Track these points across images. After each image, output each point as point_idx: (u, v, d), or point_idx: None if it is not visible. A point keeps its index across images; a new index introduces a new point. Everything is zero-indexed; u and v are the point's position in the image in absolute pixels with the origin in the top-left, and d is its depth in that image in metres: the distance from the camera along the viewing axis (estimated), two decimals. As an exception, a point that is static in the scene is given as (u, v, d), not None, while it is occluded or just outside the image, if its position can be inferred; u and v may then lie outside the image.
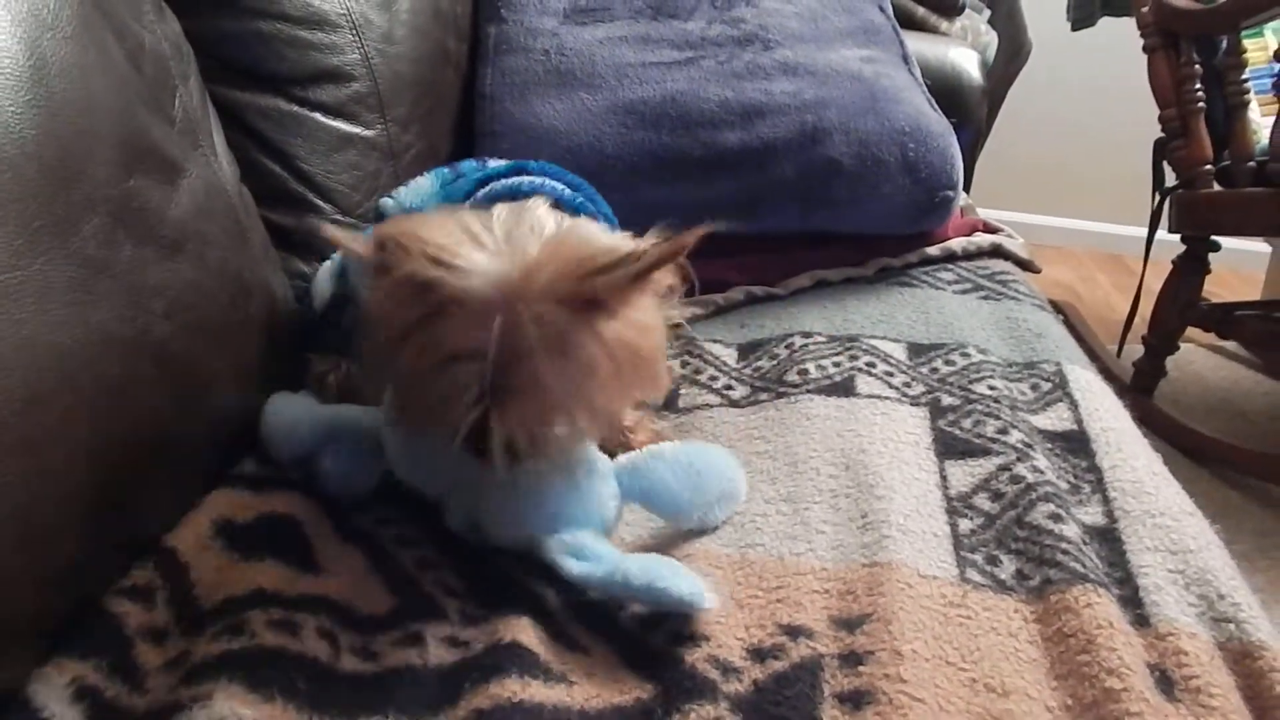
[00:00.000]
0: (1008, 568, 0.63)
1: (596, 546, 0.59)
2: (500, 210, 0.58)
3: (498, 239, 0.54)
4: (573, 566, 0.58)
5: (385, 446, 0.65)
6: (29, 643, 0.51)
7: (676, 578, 0.56)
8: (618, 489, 0.64)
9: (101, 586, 0.55)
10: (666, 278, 0.58)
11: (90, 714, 0.49)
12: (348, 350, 0.76)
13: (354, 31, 0.94)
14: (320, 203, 0.90)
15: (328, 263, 0.82)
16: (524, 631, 0.56)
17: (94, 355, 0.53)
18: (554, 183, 0.68)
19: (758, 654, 0.55)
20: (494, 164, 0.79)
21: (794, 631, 0.57)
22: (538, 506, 0.60)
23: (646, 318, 0.57)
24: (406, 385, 0.56)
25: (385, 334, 0.54)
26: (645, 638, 0.57)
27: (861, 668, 0.53)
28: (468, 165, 0.79)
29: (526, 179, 0.68)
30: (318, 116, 0.91)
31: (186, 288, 0.63)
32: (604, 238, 0.57)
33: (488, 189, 0.67)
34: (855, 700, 0.52)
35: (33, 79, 0.52)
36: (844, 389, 0.84)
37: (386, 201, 0.77)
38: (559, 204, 0.65)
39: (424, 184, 0.77)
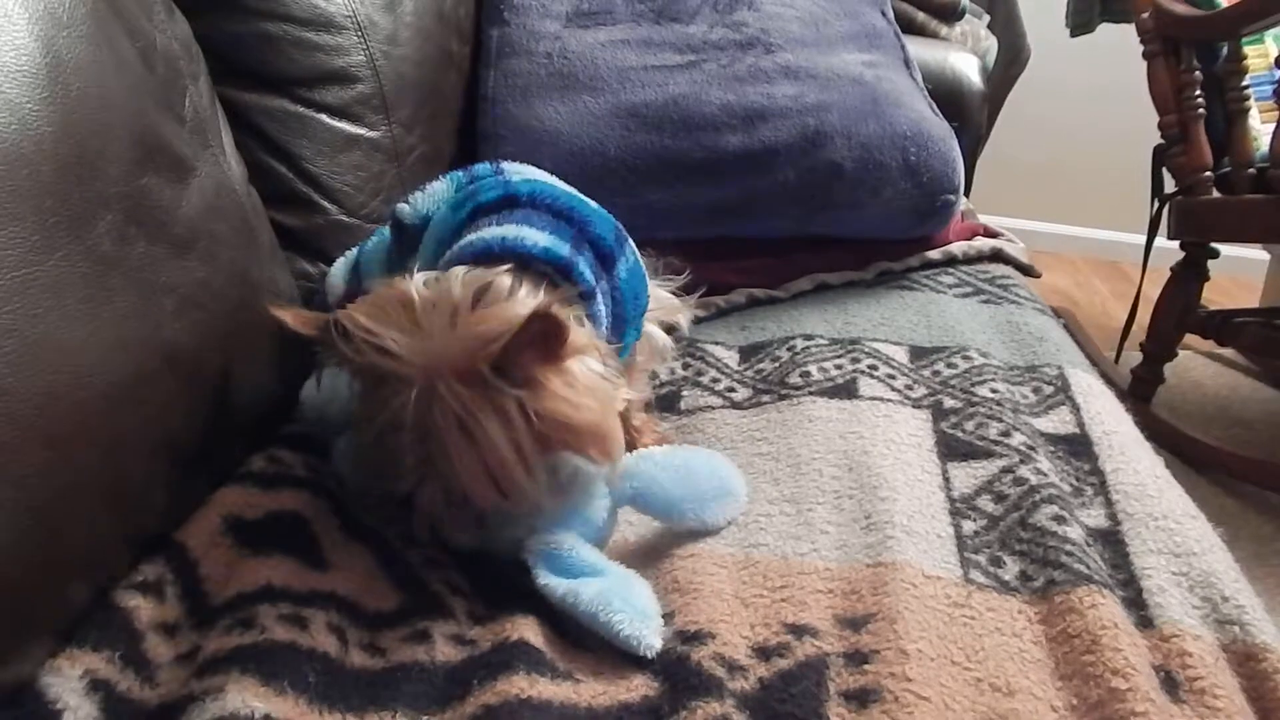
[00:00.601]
0: (1011, 569, 0.63)
1: (573, 554, 0.60)
2: (454, 277, 0.60)
3: (430, 315, 0.57)
4: (540, 576, 0.59)
5: None
6: (43, 636, 0.51)
7: (627, 611, 0.56)
8: (607, 492, 0.65)
9: (112, 581, 0.56)
10: (582, 341, 0.59)
11: (104, 706, 0.49)
12: None
13: (359, 33, 0.94)
14: (325, 203, 0.91)
15: (341, 260, 0.82)
16: (530, 630, 0.56)
17: (107, 352, 0.54)
18: (530, 231, 0.66)
19: (763, 652, 0.56)
20: (508, 167, 0.79)
21: (799, 630, 0.57)
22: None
23: (576, 387, 0.58)
24: (361, 442, 0.60)
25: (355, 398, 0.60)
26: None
27: (867, 666, 0.54)
28: (482, 169, 0.79)
29: (500, 234, 0.66)
30: (323, 118, 0.91)
31: (197, 286, 0.63)
32: (515, 312, 0.58)
33: (460, 245, 0.66)
34: (861, 698, 0.52)
35: (49, 76, 0.52)
36: (846, 391, 0.85)
37: (403, 208, 0.76)
38: (531, 261, 0.64)
39: (439, 189, 0.77)
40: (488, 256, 0.64)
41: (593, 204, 0.75)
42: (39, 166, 0.51)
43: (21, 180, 0.49)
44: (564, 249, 0.66)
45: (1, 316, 0.47)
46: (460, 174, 0.79)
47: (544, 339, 0.55)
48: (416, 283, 0.60)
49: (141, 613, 0.54)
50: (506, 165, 0.81)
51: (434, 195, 0.76)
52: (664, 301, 0.87)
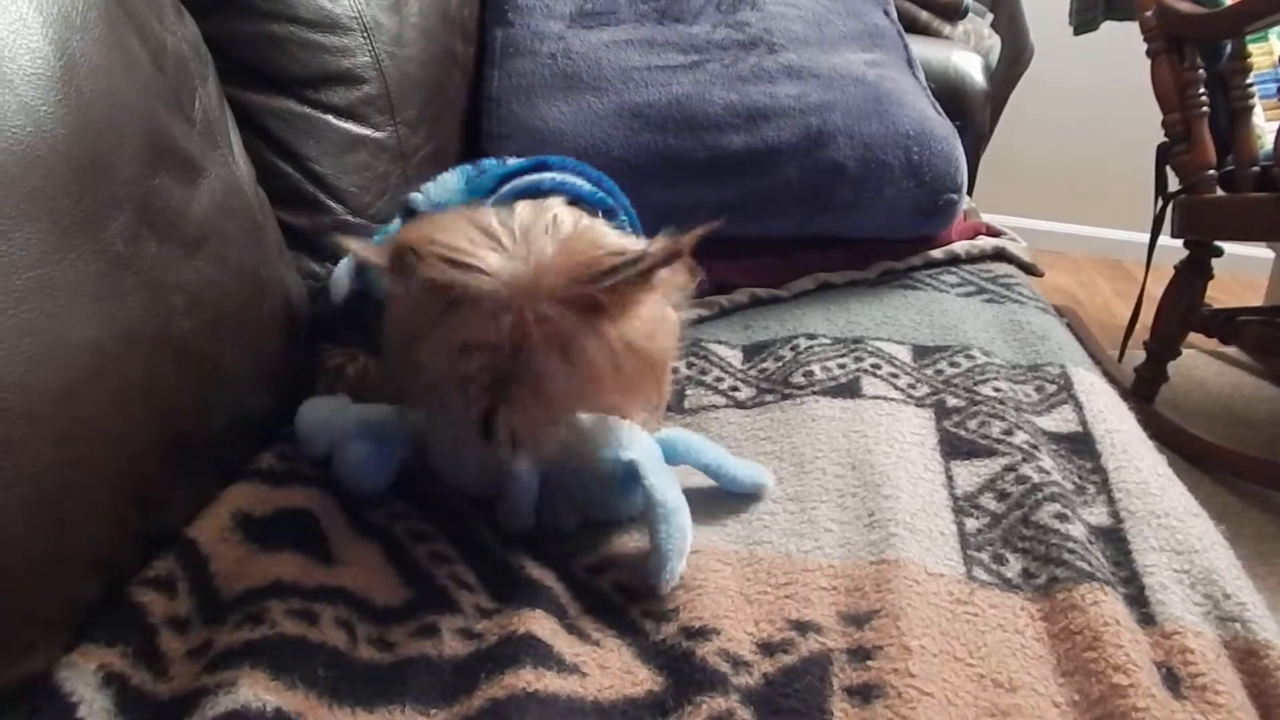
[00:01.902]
0: (1014, 566, 0.63)
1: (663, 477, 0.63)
2: (519, 209, 0.60)
3: (513, 238, 0.57)
4: (648, 476, 0.61)
5: (430, 448, 0.67)
6: (57, 630, 0.52)
7: (682, 551, 0.61)
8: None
9: (124, 577, 0.56)
10: (677, 279, 0.60)
11: (118, 700, 0.50)
12: (365, 344, 0.78)
13: (365, 34, 0.95)
14: (332, 203, 0.91)
15: (345, 259, 0.82)
16: (537, 623, 0.56)
17: (120, 350, 0.54)
18: (575, 179, 0.68)
19: (767, 648, 0.56)
20: (514, 161, 0.80)
21: (803, 626, 0.58)
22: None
23: (655, 320, 0.59)
24: (424, 374, 0.59)
25: (406, 330, 0.58)
26: (656, 631, 0.58)
27: (870, 662, 0.54)
28: (489, 163, 0.80)
29: (549, 175, 0.68)
30: (329, 118, 0.92)
31: (207, 285, 0.64)
32: (614, 239, 0.59)
33: (511, 185, 0.67)
34: (864, 694, 0.52)
35: (63, 79, 0.53)
36: (849, 390, 0.85)
37: (416, 197, 0.77)
38: (578, 201, 0.65)
39: (450, 180, 0.78)
40: (537, 193, 0.65)
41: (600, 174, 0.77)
42: (53, 168, 0.51)
43: (37, 181, 0.50)
44: (609, 199, 0.68)
45: (18, 315, 0.48)
46: (469, 167, 0.80)
47: (647, 273, 0.55)
48: (476, 214, 0.59)
49: (153, 608, 0.55)
50: (511, 160, 0.82)
51: (446, 185, 0.77)
52: None
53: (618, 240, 0.59)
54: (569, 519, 0.66)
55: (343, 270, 0.81)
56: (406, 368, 0.60)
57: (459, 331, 0.55)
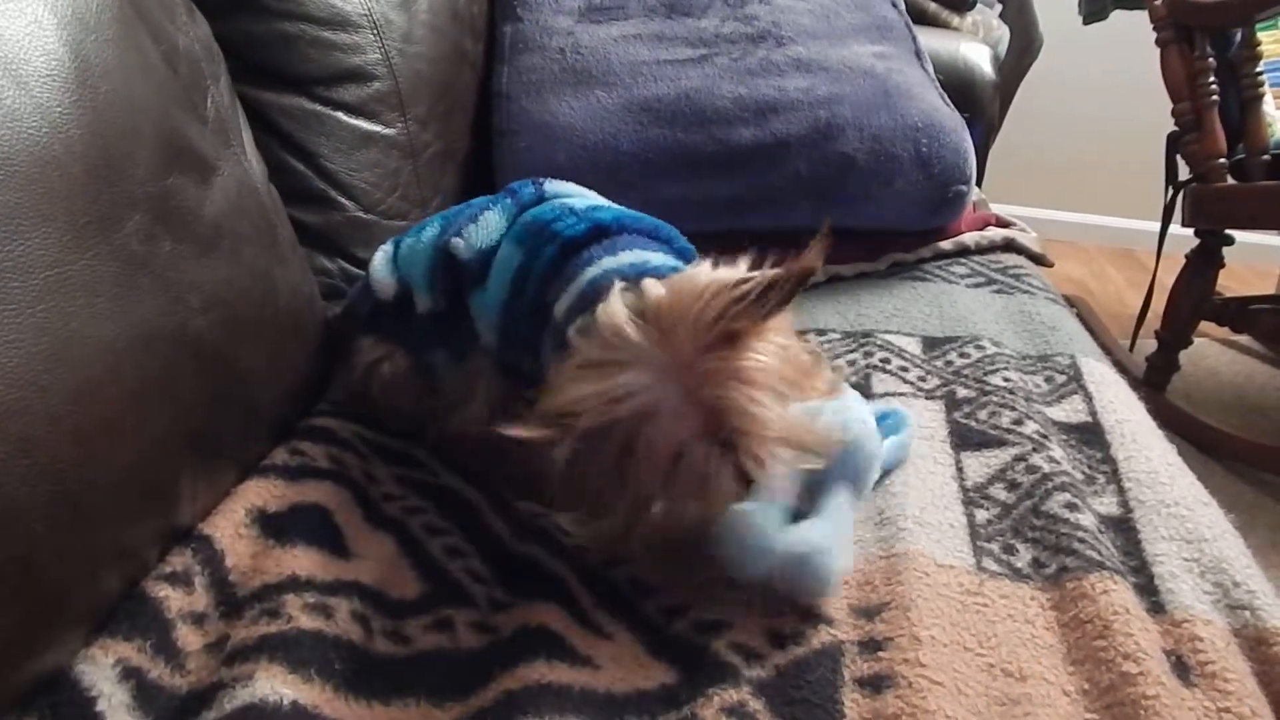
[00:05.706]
0: (1024, 556, 0.64)
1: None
2: (605, 318, 0.58)
3: (629, 345, 0.56)
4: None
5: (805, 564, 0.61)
6: (77, 625, 0.52)
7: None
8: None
9: (141, 572, 0.57)
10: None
11: (136, 693, 0.50)
12: (407, 341, 0.76)
13: (375, 31, 0.95)
14: (343, 200, 0.92)
15: (379, 256, 0.78)
16: (550, 616, 0.57)
17: (137, 349, 0.55)
18: (647, 254, 0.66)
19: (779, 641, 0.57)
20: (551, 186, 0.77)
21: (814, 619, 0.58)
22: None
23: (781, 333, 0.59)
24: (645, 502, 0.57)
25: (597, 491, 0.57)
26: (668, 626, 0.58)
27: (881, 653, 0.55)
28: (525, 191, 0.76)
29: (625, 263, 0.65)
30: (340, 115, 0.92)
31: (221, 284, 0.64)
32: (712, 281, 0.58)
33: (583, 282, 0.65)
34: (875, 684, 0.53)
35: (78, 80, 0.54)
36: (859, 390, 0.85)
37: (458, 243, 0.73)
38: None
39: (493, 220, 0.74)
40: (605, 284, 0.63)
41: (654, 220, 0.74)
42: (69, 168, 0.52)
43: (53, 182, 0.51)
44: (680, 263, 0.67)
45: (35, 315, 0.48)
46: (507, 200, 0.76)
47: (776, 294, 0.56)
48: (581, 352, 0.58)
49: (171, 603, 0.55)
50: (549, 186, 0.78)
51: (488, 228, 0.73)
52: None
53: (718, 279, 0.58)
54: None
55: (383, 269, 0.77)
56: (632, 521, 0.58)
57: (660, 447, 0.54)
